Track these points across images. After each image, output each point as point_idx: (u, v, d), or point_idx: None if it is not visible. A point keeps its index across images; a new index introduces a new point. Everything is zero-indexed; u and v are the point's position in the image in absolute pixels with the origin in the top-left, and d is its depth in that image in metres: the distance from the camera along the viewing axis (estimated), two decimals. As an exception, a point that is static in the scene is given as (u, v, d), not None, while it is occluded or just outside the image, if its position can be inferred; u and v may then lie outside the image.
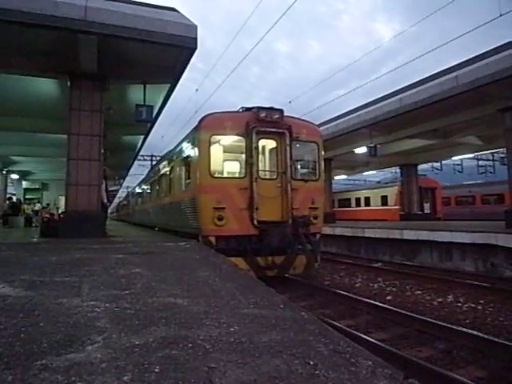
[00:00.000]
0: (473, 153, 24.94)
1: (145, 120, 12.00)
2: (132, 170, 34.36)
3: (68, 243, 8.35)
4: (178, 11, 9.37)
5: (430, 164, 32.95)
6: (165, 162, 14.22)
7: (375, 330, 6.16)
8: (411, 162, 25.90)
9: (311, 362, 2.36)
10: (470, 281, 9.92)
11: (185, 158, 10.31)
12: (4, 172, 26.57)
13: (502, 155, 26.56)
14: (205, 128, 8.74)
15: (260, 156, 9.49)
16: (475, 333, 5.49)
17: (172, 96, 12.77)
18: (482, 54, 11.98)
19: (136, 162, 31.25)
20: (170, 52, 9.31)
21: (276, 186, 8.95)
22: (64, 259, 5.93)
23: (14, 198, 24.28)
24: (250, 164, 8.71)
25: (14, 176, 28.37)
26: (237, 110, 9.44)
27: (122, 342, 2.55)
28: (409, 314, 6.63)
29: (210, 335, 2.73)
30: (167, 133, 32.59)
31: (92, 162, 10.48)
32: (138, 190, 25.05)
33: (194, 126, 9.19)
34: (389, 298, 8.59)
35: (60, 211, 15.78)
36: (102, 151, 11.20)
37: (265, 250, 8.47)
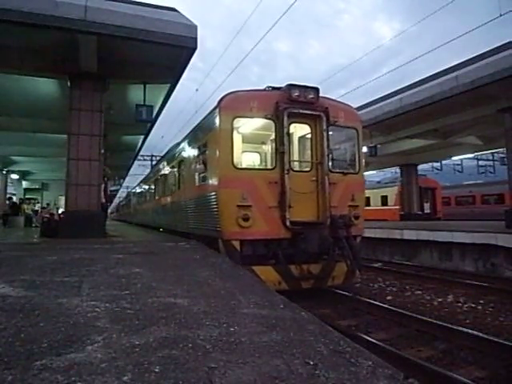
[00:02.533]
0: (473, 153, 24.96)
1: (145, 120, 12.02)
2: (132, 170, 34.43)
3: (68, 243, 8.35)
4: (177, 11, 9.38)
5: (430, 164, 32.96)
6: (173, 155, 12.61)
7: (375, 330, 6.15)
8: (411, 162, 25.92)
9: (311, 362, 2.36)
10: (470, 281, 9.91)
11: (200, 147, 8.84)
12: (4, 172, 26.57)
13: (502, 155, 26.55)
14: (226, 109, 7.18)
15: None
16: (475, 333, 5.49)
17: (172, 96, 12.80)
18: (481, 54, 11.98)
19: (136, 162, 31.33)
20: (170, 52, 9.33)
21: (310, 179, 7.50)
22: (64, 259, 5.93)
23: (14, 198, 24.29)
24: (280, 153, 7.17)
25: (14, 176, 28.38)
26: (263, 88, 7.91)
27: (121, 342, 2.55)
28: (409, 314, 6.62)
29: (210, 335, 2.73)
30: (167, 133, 32.61)
31: (92, 162, 10.49)
32: (140, 189, 23.88)
33: (213, 107, 7.68)
34: (389, 298, 8.58)
35: (60, 211, 15.79)
36: (102, 151, 11.22)
37: (299, 256, 7.08)
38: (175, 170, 11.94)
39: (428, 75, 14.65)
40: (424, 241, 13.75)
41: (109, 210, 34.30)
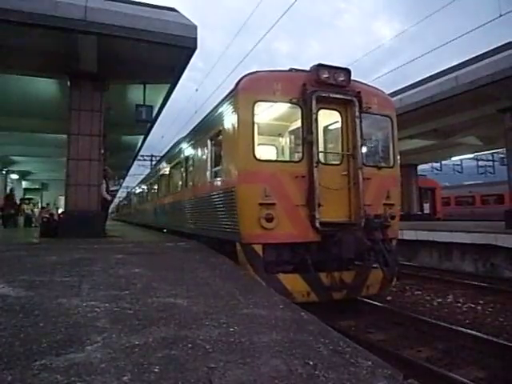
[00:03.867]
0: (472, 153, 24.96)
1: (145, 120, 12.04)
2: (132, 170, 34.43)
3: (68, 243, 8.35)
4: (177, 11, 9.38)
5: (430, 164, 32.98)
6: (179, 150, 11.46)
7: (375, 330, 6.16)
8: (411, 163, 25.92)
9: (311, 363, 2.36)
10: (469, 281, 9.92)
11: (213, 138, 7.89)
12: (4, 172, 26.57)
13: (502, 155, 26.56)
14: (246, 92, 6.23)
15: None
16: (475, 333, 5.49)
17: (172, 96, 12.79)
18: (481, 55, 12.00)
19: (136, 162, 31.33)
20: (170, 52, 9.32)
21: (341, 173, 6.62)
22: (64, 259, 5.93)
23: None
24: (308, 142, 6.25)
25: (14, 176, 28.39)
26: (287, 69, 6.97)
27: (121, 342, 2.55)
28: (409, 314, 6.63)
29: (209, 335, 2.73)
30: (167, 133, 32.60)
31: (92, 162, 10.49)
32: (141, 187, 22.89)
33: (230, 90, 6.70)
34: (389, 298, 8.59)
35: (59, 211, 15.78)
36: (102, 151, 11.21)
37: (330, 262, 6.24)
38: (182, 165, 11.05)
39: (428, 75, 14.66)
40: (424, 241, 13.76)
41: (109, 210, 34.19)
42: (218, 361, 2.30)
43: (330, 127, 7.37)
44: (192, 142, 9.74)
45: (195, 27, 8.82)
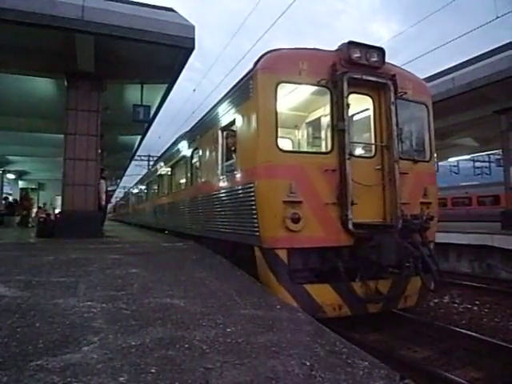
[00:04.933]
0: (469, 154, 25.05)
1: (142, 120, 12.00)
2: (129, 170, 34.36)
3: (64, 243, 8.33)
4: (175, 11, 9.37)
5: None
6: (184, 144, 10.42)
7: (372, 331, 6.17)
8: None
9: (308, 363, 2.37)
10: (466, 282, 9.95)
11: (226, 127, 6.91)
12: (0, 172, 26.46)
13: (498, 157, 26.69)
14: (268, 71, 5.33)
15: None
16: (471, 333, 5.51)
17: (169, 96, 12.78)
18: (478, 56, 12.06)
19: (133, 162, 31.25)
20: (168, 52, 9.32)
21: (374, 167, 5.82)
22: (60, 259, 5.91)
23: (11, 198, 24.18)
24: (339, 131, 5.43)
25: (11, 176, 28.27)
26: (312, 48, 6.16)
27: (118, 342, 2.55)
28: (405, 315, 6.64)
29: (206, 336, 2.73)
30: (164, 133, 32.58)
31: (89, 162, 10.46)
32: (140, 186, 21.89)
33: (248, 70, 5.80)
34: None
35: (56, 211, 15.74)
36: (99, 151, 11.19)
37: (364, 270, 5.53)
38: (187, 161, 10.10)
39: (425, 77, 14.70)
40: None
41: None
42: (215, 361, 2.30)
43: (359, 115, 6.46)
44: (199, 134, 8.79)
45: (193, 27, 8.81)
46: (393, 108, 5.78)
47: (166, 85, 11.84)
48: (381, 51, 5.78)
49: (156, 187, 16.22)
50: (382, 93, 5.92)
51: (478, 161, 33.61)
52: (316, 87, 5.71)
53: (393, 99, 5.78)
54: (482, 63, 11.45)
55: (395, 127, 5.76)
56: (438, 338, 5.58)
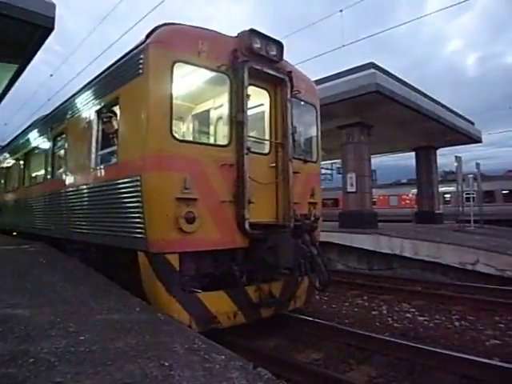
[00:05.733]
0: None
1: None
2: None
3: None
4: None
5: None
6: (45, 128, 8.76)
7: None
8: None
9: (166, 363, 2.41)
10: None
11: (105, 107, 5.82)
12: None
13: (339, 165, 30.85)
14: (163, 46, 4.63)
15: None
16: (313, 319, 6.23)
17: (20, 78, 11.10)
18: (326, 77, 13.72)
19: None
20: (21, 29, 8.08)
21: (268, 165, 5.54)
22: None
23: None
24: (239, 123, 5.01)
25: None
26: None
27: None
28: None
29: (55, 347, 2.53)
30: (12, 120, 28.00)
31: None
32: None
33: (138, 42, 4.93)
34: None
35: None
36: None
37: (257, 273, 5.20)
38: (47, 149, 8.52)
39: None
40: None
41: None
42: (65, 374, 2.16)
43: (253, 109, 5.94)
44: (65, 117, 7.40)
45: (54, 5, 7.87)
46: (289, 105, 5.60)
47: (17, 65, 10.26)
48: (280, 45, 5.49)
49: (1, 181, 13.59)
50: (278, 88, 5.67)
51: (323, 168, 38.23)
52: (213, 73, 5.10)
53: (289, 96, 5.61)
54: (328, 84, 13.06)
55: (290, 125, 5.59)
56: (288, 326, 6.16)
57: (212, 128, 6.72)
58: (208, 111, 6.68)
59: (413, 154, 19.31)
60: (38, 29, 8.02)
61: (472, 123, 18.21)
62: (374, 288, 8.50)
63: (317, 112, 6.50)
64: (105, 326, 3.03)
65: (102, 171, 5.73)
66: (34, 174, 10.31)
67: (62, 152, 7.60)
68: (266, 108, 5.78)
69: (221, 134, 6.25)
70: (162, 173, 4.49)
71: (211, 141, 6.44)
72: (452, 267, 9.74)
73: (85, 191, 6.22)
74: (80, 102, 6.79)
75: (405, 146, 19.02)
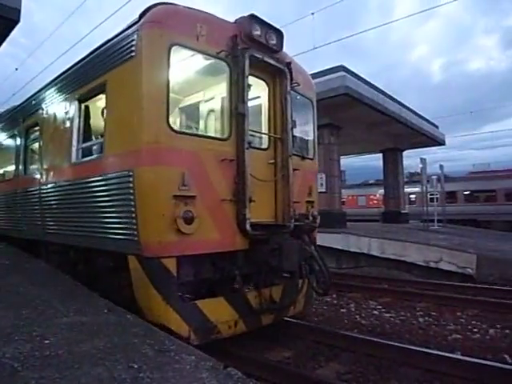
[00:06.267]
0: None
1: None
2: None
3: None
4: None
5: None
6: (14, 120, 8.08)
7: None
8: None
9: (135, 366, 2.38)
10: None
11: (89, 94, 5.25)
12: None
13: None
14: (159, 26, 4.16)
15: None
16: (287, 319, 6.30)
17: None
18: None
19: None
20: (-16, 20, 7.73)
21: (267, 161, 5.17)
22: None
23: None
24: (239, 115, 4.61)
25: None
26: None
27: None
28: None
29: (19, 352, 2.44)
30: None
31: None
32: None
33: (131, 22, 4.42)
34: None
35: None
36: None
37: (258, 277, 4.82)
38: (16, 143, 7.86)
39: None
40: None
41: None
42: (29, 379, 2.10)
43: (251, 102, 5.39)
44: (39, 107, 6.73)
45: (19, -3, 7.56)
46: (288, 98, 5.22)
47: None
48: (280, 34, 5.11)
49: None
50: (277, 80, 5.30)
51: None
52: (212, 60, 4.67)
53: (289, 88, 5.23)
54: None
55: (290, 119, 5.22)
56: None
57: (208, 121, 6.17)
58: (204, 102, 6.12)
59: (380, 155, 19.87)
60: (3, 21, 7.69)
61: (436, 126, 18.93)
62: (342, 286, 8.68)
63: (313, 107, 6.14)
64: (71, 328, 2.96)
65: (85, 166, 5.16)
66: (1, 171, 9.50)
67: (36, 146, 6.90)
68: (264, 101, 5.43)
69: (216, 127, 5.76)
70: (158, 167, 4.04)
71: (215, 132, 5.73)
72: (417, 265, 10.11)
73: (63, 188, 5.64)
74: (58, 89, 6.15)
75: (373, 147, 19.52)
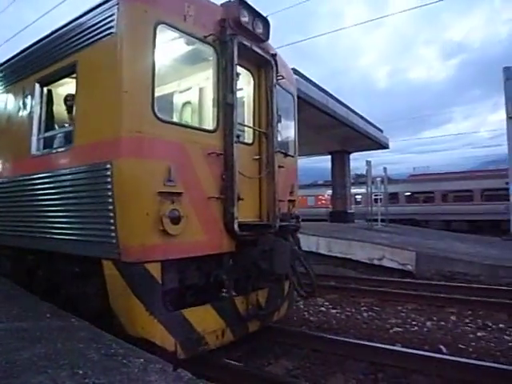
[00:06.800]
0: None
1: None
2: None
3: None
4: None
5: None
6: None
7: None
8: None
9: (80, 371, 2.30)
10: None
11: (56, 74, 4.61)
12: None
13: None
14: (144, 0, 3.69)
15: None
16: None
17: None
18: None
19: None
20: None
21: (252, 157, 4.84)
22: None
23: None
24: (228, 105, 4.24)
25: None
26: None
27: None
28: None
29: (-51, 362, 2.27)
30: None
31: None
32: None
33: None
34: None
35: None
36: None
37: (245, 281, 4.45)
38: None
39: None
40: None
41: None
42: (-38, 391, 1.96)
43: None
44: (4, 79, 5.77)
45: None
46: (274, 90, 4.91)
47: None
48: (267, 23, 4.80)
49: None
50: (262, 71, 4.99)
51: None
52: (198, 44, 4.29)
53: (274, 81, 4.93)
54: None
55: (276, 113, 4.92)
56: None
57: (191, 112, 5.64)
58: (187, 91, 5.62)
59: (329, 157, 20.53)
60: None
61: (381, 131, 19.89)
62: (291, 284, 8.88)
63: (295, 102, 5.86)
64: (10, 335, 2.79)
65: (48, 158, 4.53)
66: None
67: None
68: (247, 93, 5.11)
69: (202, 118, 5.29)
70: (141, 160, 3.57)
71: (202, 123, 5.14)
72: (361, 262, 10.59)
73: (19, 184, 4.99)
74: (13, 71, 5.42)
75: (322, 149, 20.12)
